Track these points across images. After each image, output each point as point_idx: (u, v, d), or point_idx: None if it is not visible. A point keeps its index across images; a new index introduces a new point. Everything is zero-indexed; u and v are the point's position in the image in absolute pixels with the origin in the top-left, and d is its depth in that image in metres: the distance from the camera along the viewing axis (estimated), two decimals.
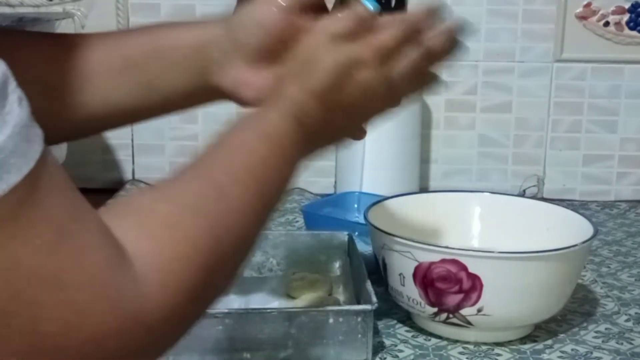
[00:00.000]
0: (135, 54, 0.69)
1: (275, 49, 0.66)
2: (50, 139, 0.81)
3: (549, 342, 0.83)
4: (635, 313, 0.90)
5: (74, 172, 1.47)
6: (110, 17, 1.34)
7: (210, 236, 0.48)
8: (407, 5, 1.32)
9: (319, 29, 0.63)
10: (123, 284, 0.41)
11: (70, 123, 0.70)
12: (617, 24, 1.33)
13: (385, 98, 0.64)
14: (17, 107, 0.36)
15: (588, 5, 1.32)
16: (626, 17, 1.33)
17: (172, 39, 0.70)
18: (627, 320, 0.88)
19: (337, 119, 0.63)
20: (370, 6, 0.63)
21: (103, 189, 1.34)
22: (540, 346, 0.82)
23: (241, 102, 0.68)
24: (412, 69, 0.64)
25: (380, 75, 0.62)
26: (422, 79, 0.67)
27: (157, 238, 0.45)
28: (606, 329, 0.86)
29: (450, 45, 0.67)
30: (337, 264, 0.96)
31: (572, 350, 0.81)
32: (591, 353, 0.80)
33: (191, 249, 0.46)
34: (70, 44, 0.69)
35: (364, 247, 0.94)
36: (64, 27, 1.32)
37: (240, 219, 0.52)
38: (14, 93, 0.36)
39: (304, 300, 0.85)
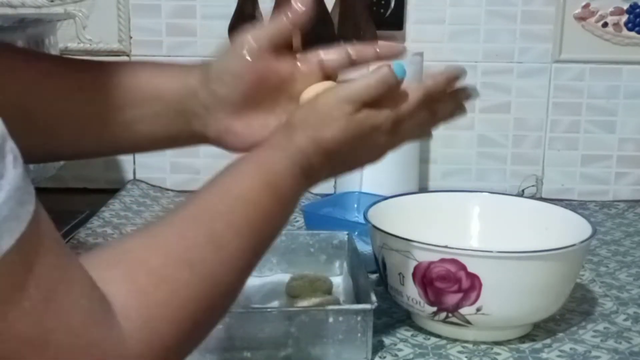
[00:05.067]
0: (116, 95, 0.67)
1: (255, 96, 0.66)
2: (33, 160, 0.78)
3: (548, 341, 0.83)
4: (634, 312, 0.90)
5: (76, 172, 1.47)
6: (111, 18, 1.34)
7: (201, 291, 0.48)
8: (405, 6, 1.33)
9: (342, 90, 0.63)
10: (108, 343, 0.41)
11: (50, 151, 0.70)
12: (616, 24, 1.33)
13: (387, 149, 0.68)
14: (12, 169, 0.36)
15: (587, 6, 1.33)
16: (624, 17, 1.33)
17: (153, 87, 0.68)
18: (625, 320, 0.88)
19: (338, 169, 0.66)
20: (399, 72, 0.63)
21: (104, 189, 1.34)
22: (539, 345, 0.82)
23: (227, 149, 0.68)
24: (418, 129, 0.68)
25: (392, 137, 0.65)
26: (421, 132, 0.71)
27: (145, 293, 0.44)
28: (605, 328, 0.86)
29: (457, 111, 0.71)
30: (337, 264, 0.96)
31: (571, 349, 0.81)
32: (590, 352, 0.80)
33: (180, 307, 0.46)
34: (57, 76, 0.68)
35: (363, 247, 0.94)
36: (65, 27, 1.33)
37: (233, 271, 0.52)
38: (10, 154, 0.36)
39: (303, 299, 0.86)
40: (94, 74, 0.68)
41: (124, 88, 0.67)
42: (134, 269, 0.45)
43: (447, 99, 0.69)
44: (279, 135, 0.62)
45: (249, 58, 0.65)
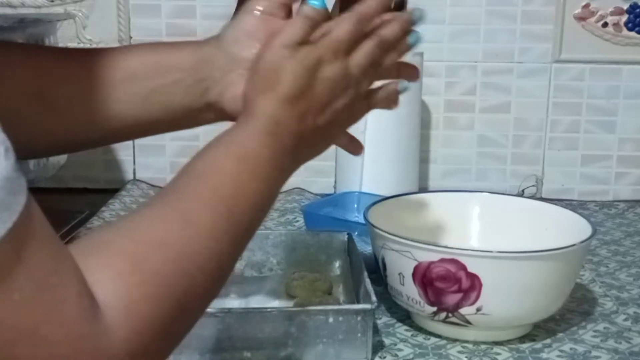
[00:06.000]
0: (136, 67, 0.69)
1: None
2: (48, 151, 0.79)
3: (548, 341, 0.83)
4: (634, 312, 0.90)
5: (76, 172, 1.47)
6: (112, 18, 1.34)
7: (178, 268, 0.47)
8: (405, 6, 1.33)
9: (275, 41, 0.62)
10: (97, 334, 0.41)
11: (69, 135, 0.70)
12: (616, 24, 1.33)
13: (351, 91, 0.65)
14: (3, 160, 0.36)
15: (587, 6, 1.33)
16: (624, 17, 1.33)
17: (172, 57, 0.70)
18: (625, 320, 0.88)
19: (311, 122, 0.63)
20: (316, 3, 0.63)
21: (104, 189, 1.34)
22: (539, 345, 0.82)
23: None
24: (369, 59, 0.65)
25: (342, 69, 0.63)
26: (380, 70, 0.68)
27: (123, 278, 0.44)
28: (604, 328, 0.86)
29: (404, 34, 0.68)
30: (337, 264, 0.96)
31: (571, 349, 0.81)
32: (590, 352, 0.80)
33: (158, 286, 0.46)
34: (72, 57, 0.70)
35: (363, 247, 0.94)
36: (65, 27, 1.33)
37: (210, 244, 0.51)
38: (1, 145, 0.36)
39: (303, 299, 0.86)
40: (108, 54, 0.70)
41: (140, 61, 0.69)
42: (108, 255, 0.45)
43: (391, 25, 0.67)
44: (240, 116, 0.62)
45: (259, 13, 0.66)
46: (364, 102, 0.68)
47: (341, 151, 1.24)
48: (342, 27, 0.64)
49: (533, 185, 1.38)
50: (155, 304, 0.45)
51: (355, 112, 0.68)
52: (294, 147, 0.61)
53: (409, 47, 0.69)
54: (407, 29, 0.68)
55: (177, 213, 0.51)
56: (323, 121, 0.64)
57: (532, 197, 1.33)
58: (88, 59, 0.69)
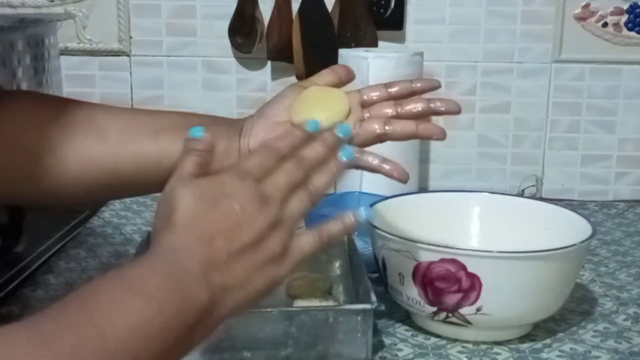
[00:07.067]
0: (145, 122, 0.73)
1: None
2: (29, 202, 0.79)
3: (548, 341, 0.83)
4: (634, 312, 0.90)
5: None
6: (112, 18, 1.34)
7: None
8: (405, 6, 1.33)
9: (174, 176, 0.60)
10: None
11: (50, 187, 0.71)
12: (616, 24, 1.33)
13: (272, 210, 0.60)
14: None
15: (587, 6, 1.33)
16: (624, 17, 1.33)
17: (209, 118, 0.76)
18: (625, 320, 0.88)
19: (222, 245, 0.57)
20: (198, 134, 0.62)
21: None
22: (539, 345, 0.82)
23: None
24: (285, 179, 0.62)
25: (250, 187, 0.59)
26: (314, 192, 0.66)
27: None
28: (604, 328, 0.86)
29: (330, 151, 0.65)
30: (337, 264, 0.96)
31: (571, 349, 0.81)
32: (590, 352, 0.80)
33: None
34: (82, 104, 0.72)
35: (363, 247, 0.94)
36: (65, 27, 1.33)
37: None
38: None
39: (303, 299, 0.86)
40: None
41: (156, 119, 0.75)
42: None
43: (312, 145, 0.65)
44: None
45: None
46: (309, 231, 0.66)
47: None
48: (252, 157, 0.62)
49: (533, 185, 1.38)
50: None
51: (298, 238, 0.64)
52: (204, 272, 0.55)
53: (343, 164, 0.66)
54: (333, 146, 0.65)
55: (37, 335, 0.46)
56: (241, 244, 0.58)
57: (532, 197, 1.33)
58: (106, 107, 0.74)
